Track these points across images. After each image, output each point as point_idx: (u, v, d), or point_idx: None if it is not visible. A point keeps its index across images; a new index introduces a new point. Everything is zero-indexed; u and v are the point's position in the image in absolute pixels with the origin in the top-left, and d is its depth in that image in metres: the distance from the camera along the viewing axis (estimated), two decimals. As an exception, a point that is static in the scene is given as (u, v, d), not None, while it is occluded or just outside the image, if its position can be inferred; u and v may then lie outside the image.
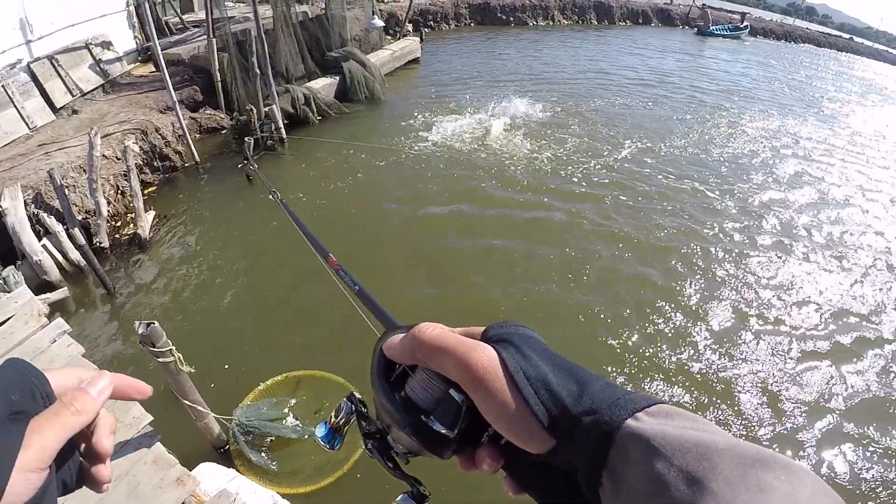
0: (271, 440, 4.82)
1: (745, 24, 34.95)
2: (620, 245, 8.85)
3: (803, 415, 6.19)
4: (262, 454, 4.75)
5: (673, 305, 7.60)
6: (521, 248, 8.65)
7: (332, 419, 0.69)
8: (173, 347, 4.09)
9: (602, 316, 7.30)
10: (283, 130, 11.59)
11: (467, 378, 0.49)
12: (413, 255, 8.29)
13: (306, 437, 4.81)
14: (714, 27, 33.30)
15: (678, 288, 7.99)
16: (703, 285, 8.11)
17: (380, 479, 4.39)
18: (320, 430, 0.70)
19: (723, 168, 12.34)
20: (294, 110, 12.42)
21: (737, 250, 9.11)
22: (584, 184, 10.76)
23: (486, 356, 0.49)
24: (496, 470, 0.53)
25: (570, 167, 11.39)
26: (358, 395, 0.68)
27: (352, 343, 6.44)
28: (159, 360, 4.05)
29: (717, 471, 0.35)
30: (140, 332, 3.92)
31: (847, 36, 35.97)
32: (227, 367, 5.95)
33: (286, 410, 5.05)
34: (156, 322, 3.96)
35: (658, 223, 9.61)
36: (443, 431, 0.51)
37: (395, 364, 0.57)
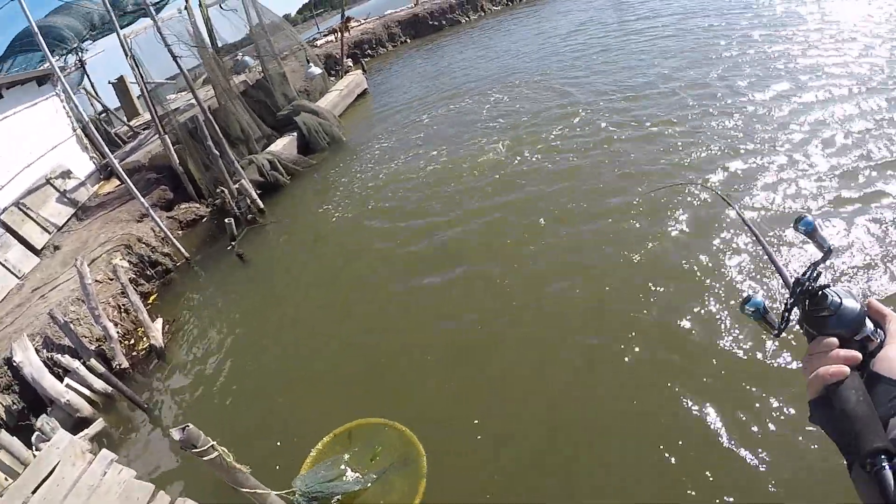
0: (338, 499, 4.79)
1: None
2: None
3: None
4: (334, 515, 4.73)
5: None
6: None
7: (769, 315, 0.97)
8: (215, 443, 4.05)
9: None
10: (258, 202, 11.69)
11: None
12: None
13: (370, 484, 4.79)
14: None
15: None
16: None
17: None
18: (756, 302, 0.96)
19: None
20: (263, 178, 12.52)
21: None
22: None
23: None
24: (847, 364, 0.80)
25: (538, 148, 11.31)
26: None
27: (372, 388, 6.40)
28: (204, 459, 4.02)
29: None
30: (178, 438, 3.88)
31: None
32: (279, 444, 5.92)
33: (343, 466, 5.03)
34: (189, 424, 3.94)
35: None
36: (825, 313, 0.87)
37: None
